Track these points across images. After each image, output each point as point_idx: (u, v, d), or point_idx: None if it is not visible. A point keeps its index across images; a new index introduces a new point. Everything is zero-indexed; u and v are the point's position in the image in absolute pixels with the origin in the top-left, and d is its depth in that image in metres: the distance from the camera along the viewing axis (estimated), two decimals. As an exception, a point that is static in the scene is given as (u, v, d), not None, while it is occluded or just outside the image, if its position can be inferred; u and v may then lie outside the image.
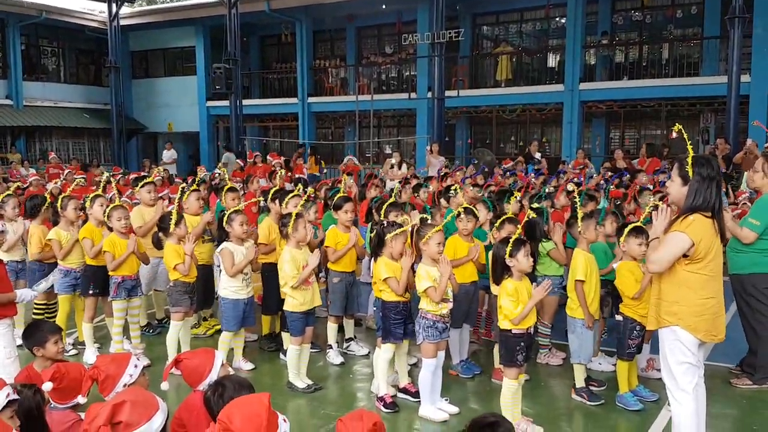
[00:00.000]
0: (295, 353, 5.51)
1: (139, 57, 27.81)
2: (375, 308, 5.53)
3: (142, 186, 7.02)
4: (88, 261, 6.28)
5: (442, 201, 7.44)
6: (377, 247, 5.16)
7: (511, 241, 4.59)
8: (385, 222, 5.32)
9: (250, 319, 5.92)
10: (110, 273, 6.02)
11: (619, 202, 7.99)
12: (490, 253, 4.86)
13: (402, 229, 5.06)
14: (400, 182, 8.76)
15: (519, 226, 4.87)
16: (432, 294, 4.77)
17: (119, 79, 24.54)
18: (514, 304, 4.52)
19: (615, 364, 5.56)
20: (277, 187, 7.02)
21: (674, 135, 4.43)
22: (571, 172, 12.15)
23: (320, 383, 5.62)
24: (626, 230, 5.18)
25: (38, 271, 6.52)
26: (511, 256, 4.56)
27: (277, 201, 6.58)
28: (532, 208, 6.05)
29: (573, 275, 5.24)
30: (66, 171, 14.93)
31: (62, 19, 24.26)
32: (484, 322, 6.65)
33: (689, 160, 3.89)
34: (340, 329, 6.46)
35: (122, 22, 24.66)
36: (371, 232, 5.43)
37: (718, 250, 3.90)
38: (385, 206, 6.09)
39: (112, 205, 6.17)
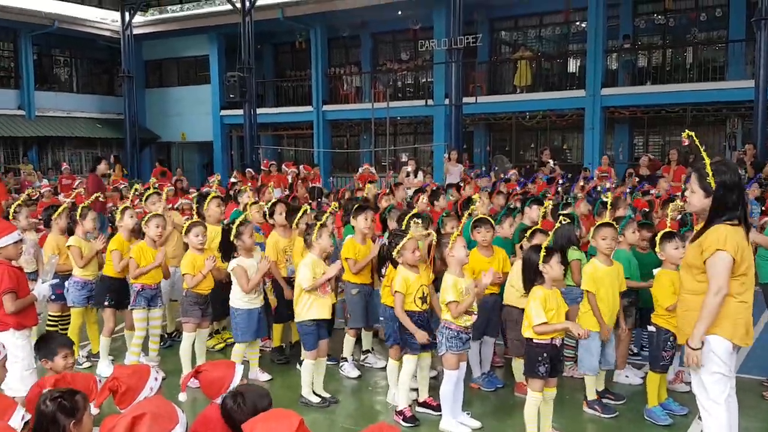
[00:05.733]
0: (309, 368, 5.50)
1: (153, 66, 28.09)
2: (382, 318, 5.51)
3: (147, 198, 7.15)
4: (105, 271, 6.32)
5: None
6: (384, 258, 5.23)
7: (543, 247, 4.57)
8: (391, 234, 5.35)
9: (263, 329, 5.93)
10: (131, 281, 6.07)
11: (647, 211, 7.91)
12: (521, 259, 4.85)
13: (408, 237, 5.04)
14: (416, 192, 8.75)
15: (549, 234, 4.85)
16: (454, 309, 4.77)
17: (132, 88, 24.82)
18: (539, 314, 4.49)
19: (643, 377, 5.50)
20: (274, 200, 6.93)
21: (685, 141, 4.34)
22: (598, 178, 12.09)
23: (337, 396, 5.61)
24: (658, 238, 5.15)
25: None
26: (544, 262, 4.54)
27: (279, 214, 6.50)
28: (564, 215, 5.97)
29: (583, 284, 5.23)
30: (77, 182, 15.06)
31: (75, 28, 24.54)
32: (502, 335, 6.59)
33: (708, 170, 3.82)
34: (358, 341, 6.46)
35: (135, 31, 24.94)
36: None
37: (751, 258, 3.86)
38: (407, 218, 6.05)
39: (150, 213, 6.22)
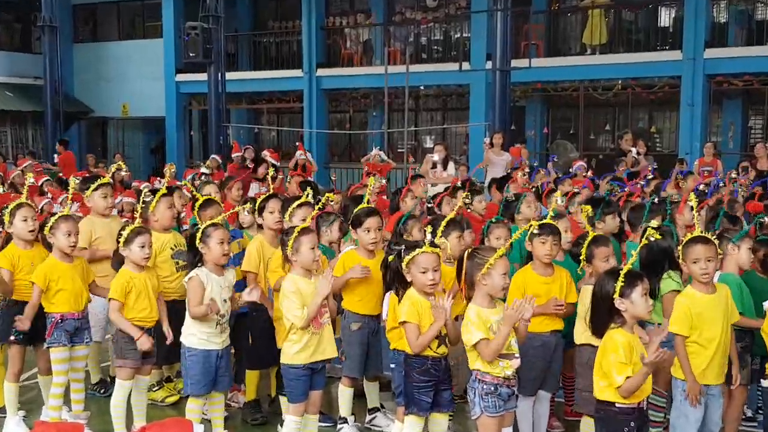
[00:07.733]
0: (293, 428, 5.47)
1: (84, 13, 28.30)
2: (393, 365, 5.52)
3: (95, 189, 7.05)
4: (15, 295, 6.27)
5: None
6: (392, 280, 5.24)
7: (622, 273, 4.49)
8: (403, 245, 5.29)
9: (224, 379, 5.85)
10: (45, 309, 6.02)
11: (764, 218, 7.83)
12: (590, 291, 4.80)
13: (421, 249, 5.01)
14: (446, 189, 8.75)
15: (634, 252, 4.80)
16: (484, 350, 4.71)
17: (56, 43, 24.88)
18: (622, 366, 4.40)
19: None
20: (268, 193, 6.94)
21: None
22: (698, 175, 12.02)
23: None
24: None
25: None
26: (622, 296, 4.47)
27: (270, 213, 6.52)
28: (655, 228, 5.91)
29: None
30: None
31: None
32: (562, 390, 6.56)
33: None
34: (362, 394, 6.44)
35: (61, -35, 25.13)
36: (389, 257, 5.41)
37: None
38: (444, 223, 6.01)
39: (58, 215, 6.12)
